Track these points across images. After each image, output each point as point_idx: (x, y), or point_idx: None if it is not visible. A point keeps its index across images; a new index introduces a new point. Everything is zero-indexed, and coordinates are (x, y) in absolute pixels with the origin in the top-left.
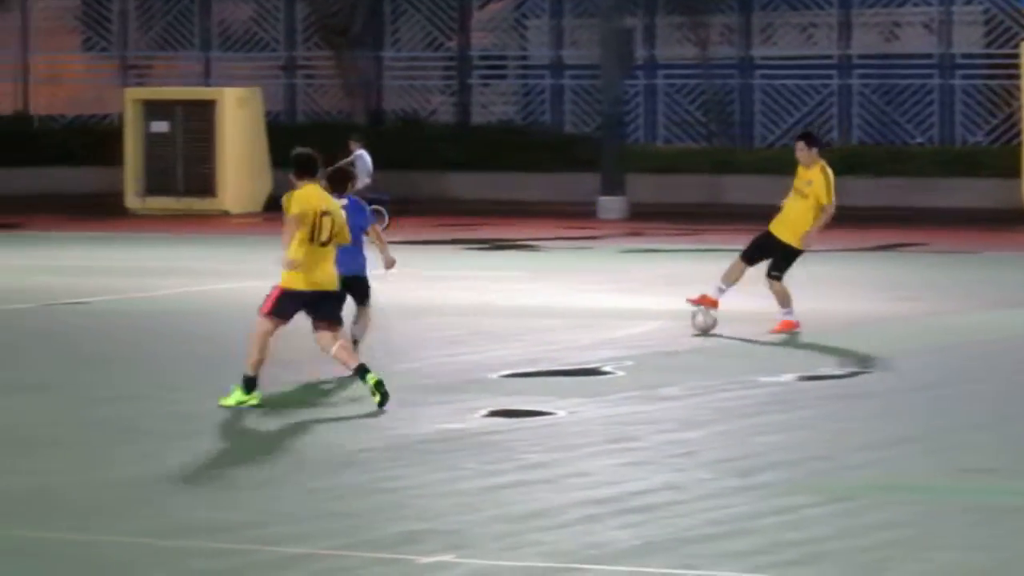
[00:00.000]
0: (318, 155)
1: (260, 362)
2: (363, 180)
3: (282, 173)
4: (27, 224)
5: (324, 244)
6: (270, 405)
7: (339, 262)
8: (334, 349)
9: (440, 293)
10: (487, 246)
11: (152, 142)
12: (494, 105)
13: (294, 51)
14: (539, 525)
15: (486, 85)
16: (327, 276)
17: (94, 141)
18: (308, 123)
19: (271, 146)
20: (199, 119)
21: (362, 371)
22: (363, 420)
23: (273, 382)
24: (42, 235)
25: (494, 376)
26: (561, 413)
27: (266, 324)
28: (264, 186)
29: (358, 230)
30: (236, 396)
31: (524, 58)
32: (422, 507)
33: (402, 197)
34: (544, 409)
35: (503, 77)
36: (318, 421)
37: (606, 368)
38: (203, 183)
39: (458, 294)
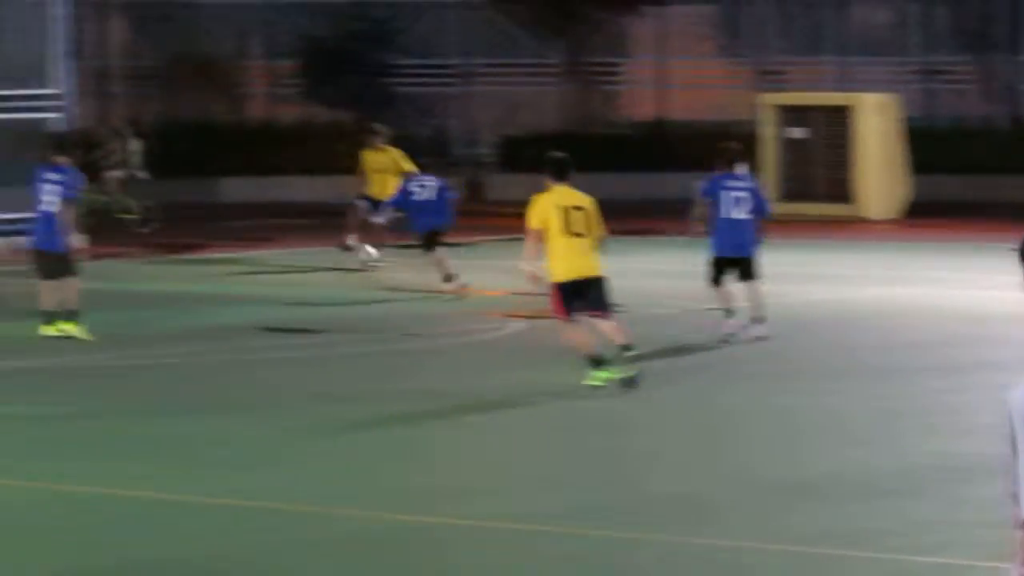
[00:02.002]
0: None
1: (591, 343)
2: None
3: (923, 178)
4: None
5: (579, 236)
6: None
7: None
8: (608, 330)
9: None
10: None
11: (789, 147)
12: None
13: (932, 55)
14: None
15: None
16: (586, 264)
17: None
18: (947, 128)
19: (909, 151)
20: (836, 124)
21: (626, 348)
22: None
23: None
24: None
25: None
26: None
27: (567, 327)
28: (903, 192)
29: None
30: (599, 376)
31: None
32: None
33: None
34: None
35: None
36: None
37: None
38: (841, 189)
39: None
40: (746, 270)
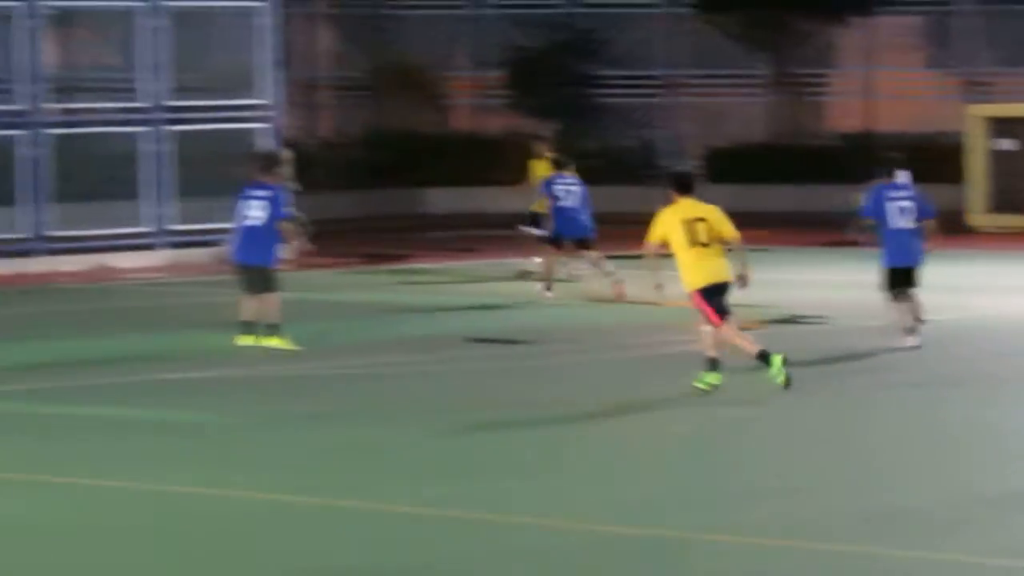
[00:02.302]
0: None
1: (719, 347)
2: None
3: None
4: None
5: (705, 245)
6: None
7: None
8: (730, 336)
9: None
10: None
11: (997, 160)
12: None
13: None
14: None
15: None
16: (718, 269)
17: (935, 158)
18: None
19: None
20: None
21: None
22: None
23: None
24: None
25: None
26: None
27: (725, 329)
28: None
29: None
30: (708, 379)
31: None
32: None
33: None
34: None
35: None
36: None
37: None
38: None
39: None
40: (911, 279)
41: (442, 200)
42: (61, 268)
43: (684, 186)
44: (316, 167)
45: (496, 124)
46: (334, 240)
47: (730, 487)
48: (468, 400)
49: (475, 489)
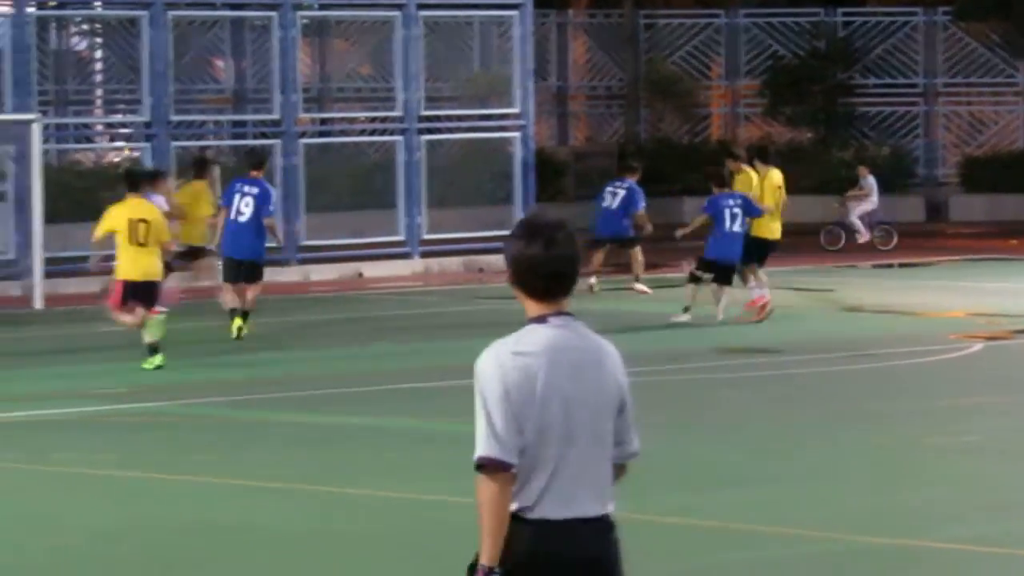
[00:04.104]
0: None
1: None
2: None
3: None
4: None
5: None
6: None
7: None
8: None
9: None
10: None
11: None
12: None
13: None
14: None
15: None
16: None
17: None
18: None
19: None
20: None
21: None
22: None
23: None
24: None
25: None
26: None
27: None
28: None
29: None
30: None
31: None
32: None
33: None
34: None
35: None
36: None
37: None
38: None
39: None
40: None
41: (696, 209)
42: (314, 278)
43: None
44: (566, 177)
45: (751, 133)
46: (584, 250)
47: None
48: (719, 410)
49: (733, 497)
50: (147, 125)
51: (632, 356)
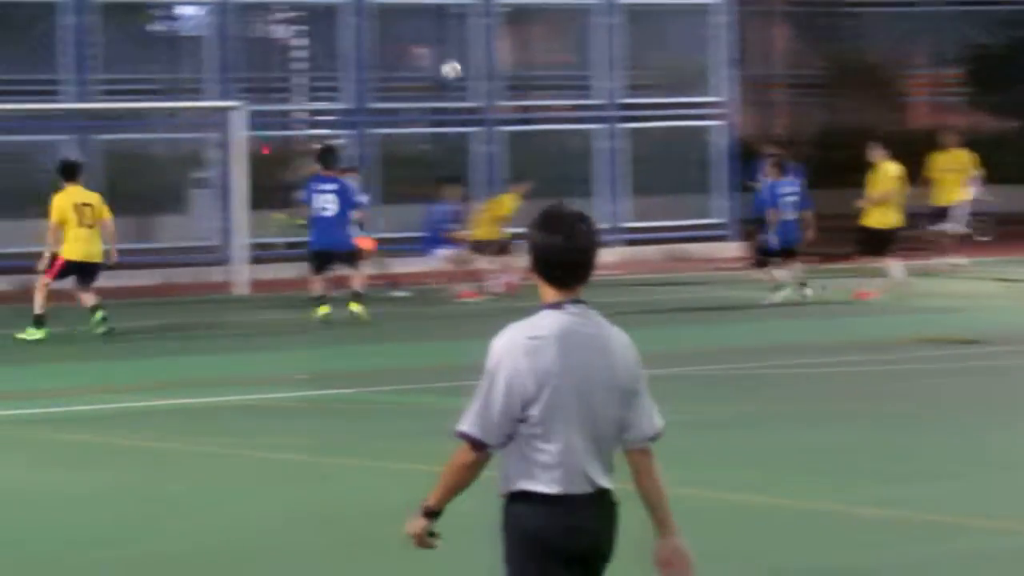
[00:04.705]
0: None
1: None
2: None
3: None
4: None
5: None
6: None
7: None
8: None
9: None
10: None
11: None
12: None
13: None
14: None
15: None
16: None
17: None
18: None
19: None
20: None
21: None
22: None
23: None
24: None
25: None
26: None
27: None
28: None
29: None
30: None
31: None
32: None
33: None
34: None
35: None
36: None
37: None
38: None
39: None
40: None
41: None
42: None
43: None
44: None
45: (954, 122)
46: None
47: None
48: (923, 400)
49: (937, 488)
50: (347, 113)
51: (837, 345)
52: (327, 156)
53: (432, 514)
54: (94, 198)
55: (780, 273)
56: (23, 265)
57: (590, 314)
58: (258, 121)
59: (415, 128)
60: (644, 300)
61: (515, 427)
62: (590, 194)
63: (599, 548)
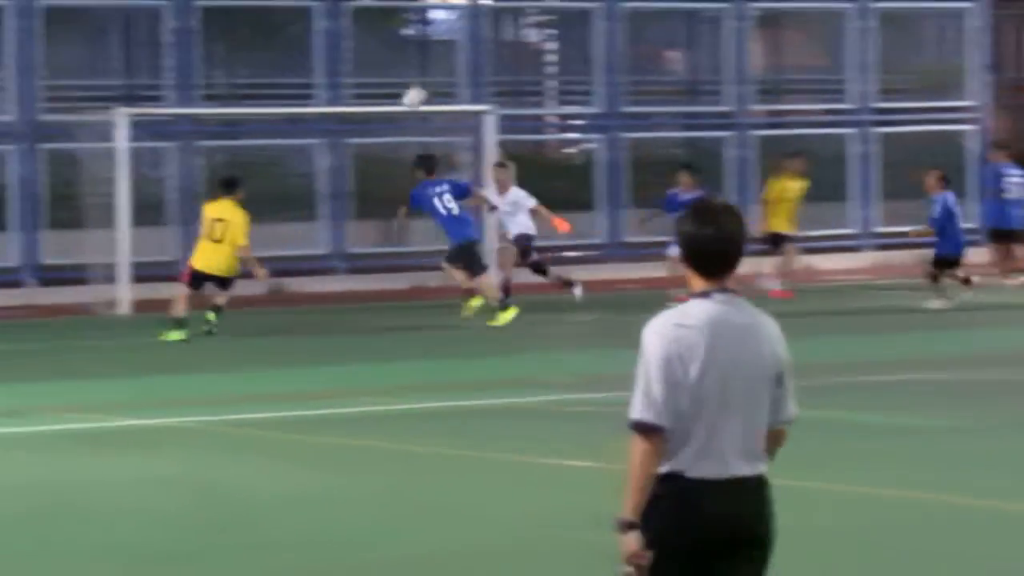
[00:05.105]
0: None
1: None
2: None
3: None
4: None
5: None
6: None
7: None
8: None
9: None
10: None
11: None
12: None
13: None
14: None
15: None
16: None
17: None
18: None
19: None
20: None
21: None
22: None
23: None
24: None
25: None
26: None
27: None
28: None
29: None
30: None
31: None
32: None
33: None
34: None
35: None
36: None
37: None
38: None
39: None
40: None
41: None
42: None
43: None
44: None
45: None
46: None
47: None
48: None
49: None
50: (599, 117)
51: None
52: (429, 162)
53: (634, 526)
54: (236, 217)
55: None
56: (282, 268)
57: (738, 302)
58: (508, 125)
59: (666, 132)
60: (896, 304)
61: (679, 406)
62: (843, 198)
63: (755, 533)
